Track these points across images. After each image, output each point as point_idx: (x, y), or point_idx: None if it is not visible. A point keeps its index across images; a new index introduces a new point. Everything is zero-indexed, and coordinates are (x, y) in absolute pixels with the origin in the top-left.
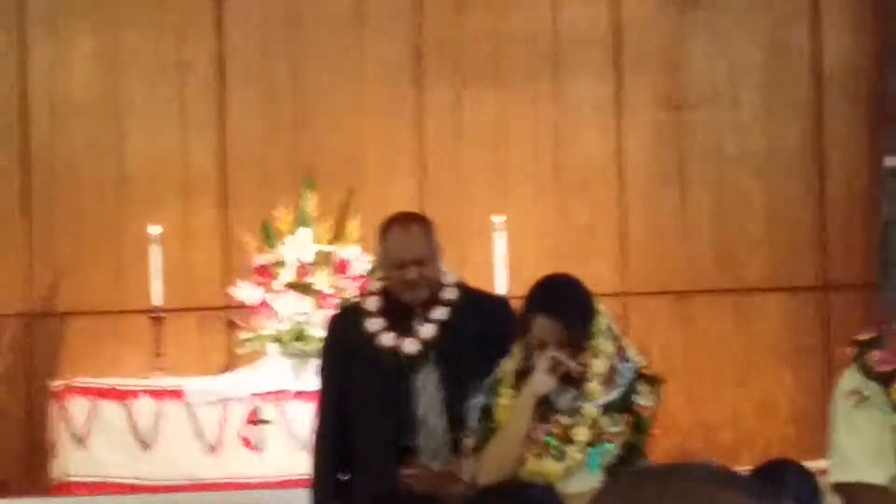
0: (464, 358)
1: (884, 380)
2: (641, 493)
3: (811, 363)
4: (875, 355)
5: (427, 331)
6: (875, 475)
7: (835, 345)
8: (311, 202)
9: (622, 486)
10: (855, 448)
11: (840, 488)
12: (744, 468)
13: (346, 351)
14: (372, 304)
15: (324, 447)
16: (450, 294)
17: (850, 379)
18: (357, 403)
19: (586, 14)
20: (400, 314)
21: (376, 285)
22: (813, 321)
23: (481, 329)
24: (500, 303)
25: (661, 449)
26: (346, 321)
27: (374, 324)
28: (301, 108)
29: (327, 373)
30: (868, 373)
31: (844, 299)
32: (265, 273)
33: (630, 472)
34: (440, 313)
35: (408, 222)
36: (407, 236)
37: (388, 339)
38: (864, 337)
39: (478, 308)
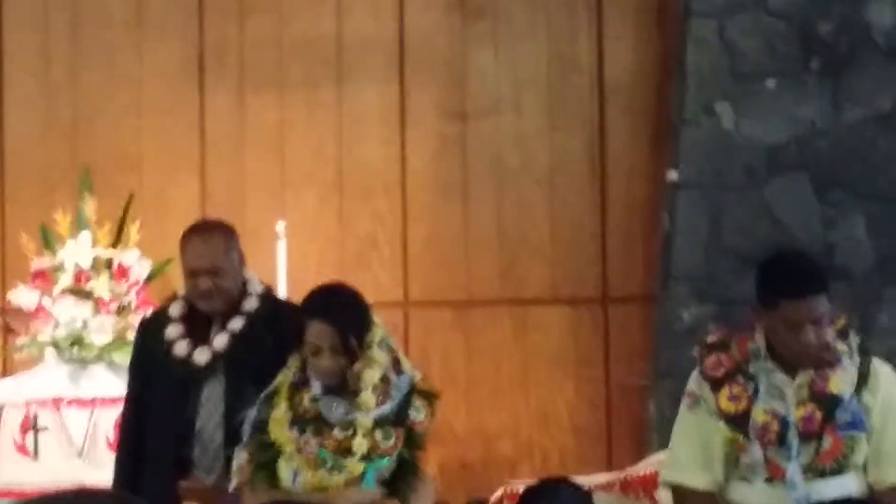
0: (255, 370)
1: (713, 384)
2: None
3: (591, 375)
4: (712, 358)
5: (219, 341)
6: (699, 480)
7: (613, 358)
8: (89, 205)
9: None
10: (683, 450)
11: (669, 486)
12: (522, 480)
13: (145, 358)
14: (175, 309)
15: (119, 459)
16: (250, 304)
17: (691, 380)
18: (148, 412)
19: (370, 22)
20: (200, 322)
21: (183, 291)
22: (593, 333)
23: (279, 341)
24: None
25: (440, 457)
26: (151, 327)
27: (172, 331)
28: (80, 109)
29: (129, 380)
30: (703, 375)
31: (624, 312)
32: (43, 277)
33: None
34: (236, 324)
35: (205, 231)
36: (202, 245)
37: (181, 347)
38: (710, 339)
39: (277, 320)
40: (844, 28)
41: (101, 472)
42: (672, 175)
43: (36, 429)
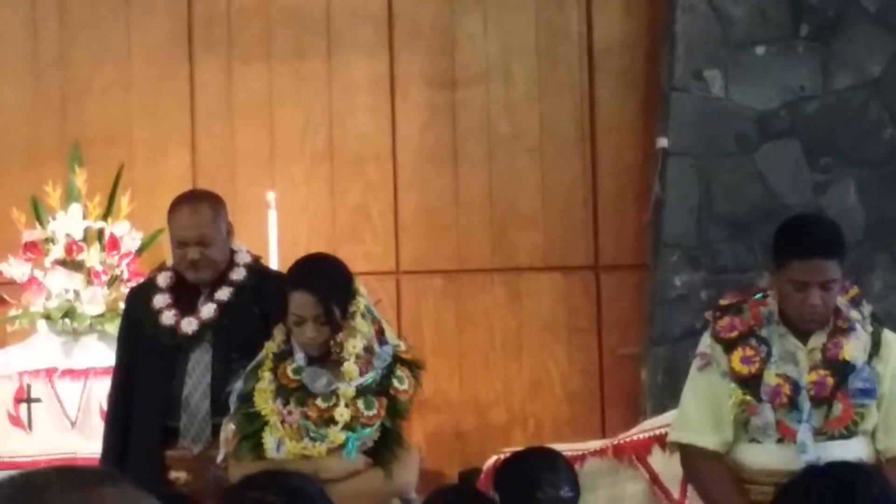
0: (242, 340)
1: (726, 345)
2: None
3: (584, 343)
4: (725, 320)
5: (207, 311)
6: (707, 440)
7: (605, 325)
8: (80, 178)
9: None
10: (693, 410)
11: (677, 446)
12: (515, 448)
13: (133, 327)
14: (163, 280)
15: (108, 429)
16: (237, 275)
17: (703, 342)
18: (136, 382)
19: None
20: (187, 292)
21: (171, 261)
22: (585, 301)
23: (265, 311)
24: None
25: (432, 426)
26: (139, 297)
27: (159, 300)
28: (68, 83)
29: (118, 350)
30: (716, 337)
31: (615, 279)
32: (35, 249)
33: None
34: (223, 294)
35: (193, 202)
36: (190, 215)
37: (168, 316)
38: (725, 302)
39: (265, 290)
40: None
41: (94, 443)
42: (662, 142)
43: (29, 400)
